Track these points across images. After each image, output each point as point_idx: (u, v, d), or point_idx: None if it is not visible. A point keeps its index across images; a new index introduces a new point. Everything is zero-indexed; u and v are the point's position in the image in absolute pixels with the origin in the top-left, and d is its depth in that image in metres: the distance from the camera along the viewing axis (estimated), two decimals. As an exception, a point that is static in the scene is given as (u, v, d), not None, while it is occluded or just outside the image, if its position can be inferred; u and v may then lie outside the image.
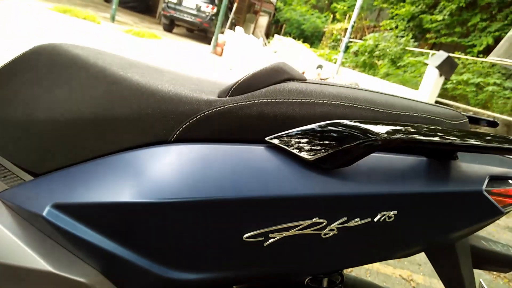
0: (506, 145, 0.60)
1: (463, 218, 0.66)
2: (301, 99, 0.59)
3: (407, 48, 11.10)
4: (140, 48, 7.34)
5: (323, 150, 0.56)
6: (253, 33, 17.34)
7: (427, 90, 6.82)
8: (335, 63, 12.77)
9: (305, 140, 0.57)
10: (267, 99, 0.59)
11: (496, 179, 0.67)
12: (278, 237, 0.57)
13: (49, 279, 0.58)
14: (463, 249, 0.72)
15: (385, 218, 0.60)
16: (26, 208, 0.60)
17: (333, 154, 0.55)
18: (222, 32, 12.65)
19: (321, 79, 7.51)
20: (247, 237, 0.56)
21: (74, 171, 0.61)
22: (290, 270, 0.64)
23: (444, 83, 7.35)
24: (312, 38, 20.47)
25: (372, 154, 0.58)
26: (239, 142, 0.59)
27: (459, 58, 8.98)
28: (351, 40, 14.13)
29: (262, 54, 9.02)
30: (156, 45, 8.50)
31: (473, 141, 0.59)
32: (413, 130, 0.57)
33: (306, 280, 0.75)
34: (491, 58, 9.59)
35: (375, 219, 0.59)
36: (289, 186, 0.56)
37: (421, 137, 0.56)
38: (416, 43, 11.76)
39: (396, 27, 13.59)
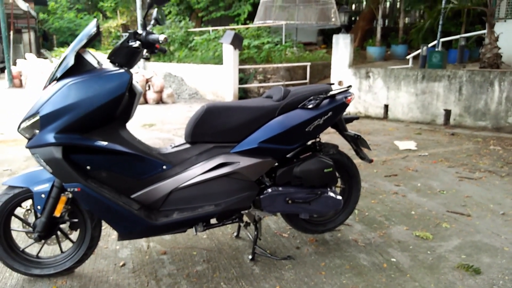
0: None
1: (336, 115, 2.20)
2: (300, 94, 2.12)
3: (189, 30, 12.59)
4: None
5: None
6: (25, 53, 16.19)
7: (230, 64, 8.56)
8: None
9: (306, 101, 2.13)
10: (293, 97, 2.08)
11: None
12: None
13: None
14: (340, 121, 2.31)
15: None
16: (248, 148, 2.01)
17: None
18: (14, 64, 11.91)
19: (147, 79, 8.37)
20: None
21: (256, 133, 2.03)
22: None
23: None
24: (89, 40, 20.01)
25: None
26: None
27: (234, 29, 11.01)
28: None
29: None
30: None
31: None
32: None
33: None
34: (257, 23, 12.05)
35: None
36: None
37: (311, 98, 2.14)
38: (193, 24, 13.37)
39: (170, 12, 14.98)
